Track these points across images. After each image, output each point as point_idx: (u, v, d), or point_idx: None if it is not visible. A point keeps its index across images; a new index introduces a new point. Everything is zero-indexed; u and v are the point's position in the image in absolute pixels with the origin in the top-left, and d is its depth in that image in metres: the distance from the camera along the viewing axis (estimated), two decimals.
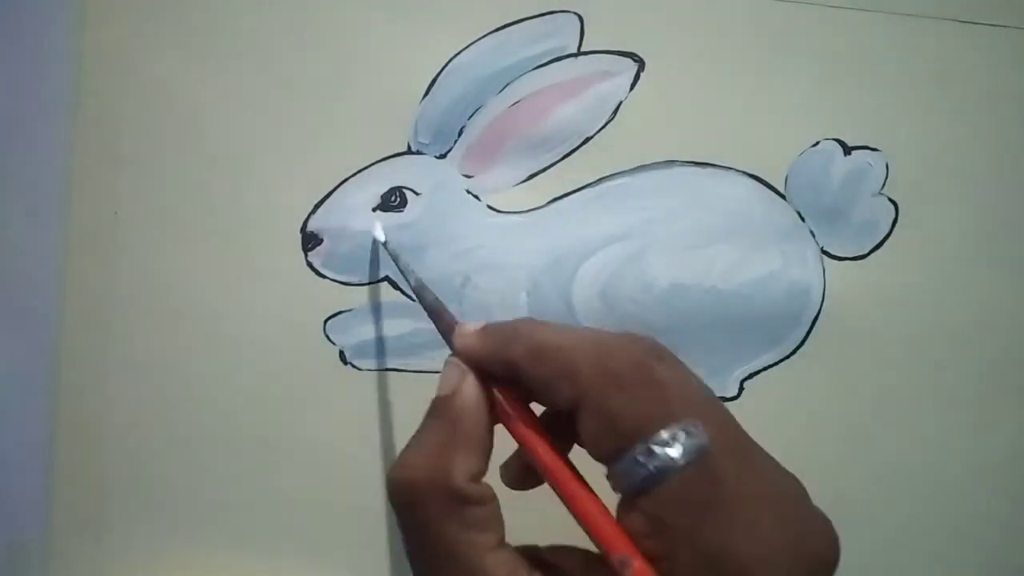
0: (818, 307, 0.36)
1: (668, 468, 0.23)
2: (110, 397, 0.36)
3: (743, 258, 0.36)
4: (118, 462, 0.36)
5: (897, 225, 0.36)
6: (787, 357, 0.36)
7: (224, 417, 0.36)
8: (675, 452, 0.23)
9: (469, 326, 0.29)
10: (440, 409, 0.27)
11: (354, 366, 0.36)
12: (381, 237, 0.35)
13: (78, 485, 0.36)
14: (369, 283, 0.36)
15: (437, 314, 0.31)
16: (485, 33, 0.35)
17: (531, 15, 0.35)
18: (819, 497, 0.35)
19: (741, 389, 0.36)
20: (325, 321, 0.36)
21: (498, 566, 0.25)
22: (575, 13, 0.35)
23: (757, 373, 0.36)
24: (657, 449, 0.23)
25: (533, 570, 0.25)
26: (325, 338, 0.36)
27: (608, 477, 0.25)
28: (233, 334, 0.36)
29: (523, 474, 0.29)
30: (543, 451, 0.26)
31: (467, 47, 0.35)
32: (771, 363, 0.36)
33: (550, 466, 0.26)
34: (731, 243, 0.36)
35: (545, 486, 0.26)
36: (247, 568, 0.36)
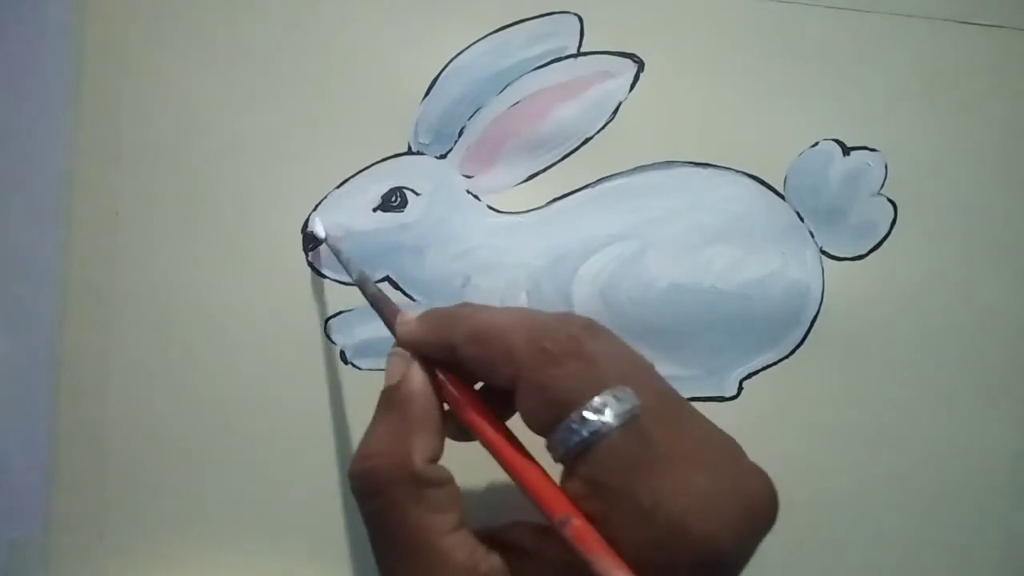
0: (817, 307, 0.36)
1: (600, 432, 0.24)
2: (110, 397, 0.36)
3: (742, 258, 0.36)
4: (118, 462, 0.36)
5: (896, 225, 0.36)
6: (786, 357, 0.36)
7: (224, 417, 0.36)
8: (606, 417, 0.24)
9: (409, 314, 0.30)
10: (390, 399, 0.28)
11: (355, 366, 0.36)
12: (321, 233, 0.35)
13: (78, 485, 0.36)
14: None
15: (379, 305, 0.31)
16: (485, 34, 0.35)
17: (531, 16, 0.35)
18: (818, 497, 0.35)
19: (740, 389, 0.36)
20: (326, 321, 0.36)
21: (457, 548, 0.26)
22: (575, 14, 0.35)
23: (756, 373, 0.36)
24: (589, 415, 0.24)
25: (490, 550, 0.26)
26: (326, 338, 0.36)
27: (548, 448, 0.26)
28: (233, 334, 0.36)
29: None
30: (486, 428, 0.27)
31: (467, 48, 0.35)
32: (770, 363, 0.36)
33: (494, 442, 0.27)
34: (730, 243, 0.36)
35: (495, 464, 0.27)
36: (247, 568, 0.36)
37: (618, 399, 0.25)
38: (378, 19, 0.35)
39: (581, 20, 0.35)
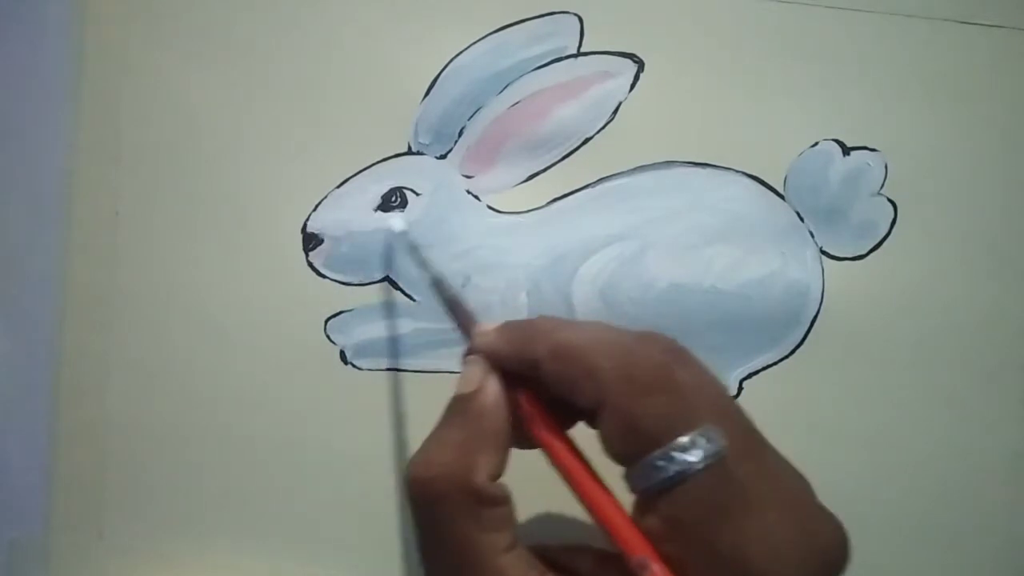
0: (817, 307, 0.36)
1: (686, 472, 0.24)
2: (110, 397, 0.36)
3: (742, 258, 0.36)
4: (118, 462, 0.36)
5: (896, 225, 0.36)
6: (786, 357, 0.36)
7: (224, 417, 0.36)
8: (694, 457, 0.24)
9: (487, 324, 0.29)
10: (462, 407, 0.27)
11: (354, 366, 0.36)
12: (400, 226, 0.34)
13: (78, 485, 0.36)
14: (369, 283, 0.36)
15: (456, 310, 0.30)
16: (485, 34, 0.35)
17: (531, 16, 0.35)
18: (818, 497, 0.35)
19: (740, 389, 0.36)
20: (326, 321, 0.36)
21: (512, 567, 0.25)
22: (575, 14, 0.35)
23: (756, 373, 0.36)
24: (676, 454, 0.24)
25: (546, 571, 0.25)
26: (325, 338, 0.36)
27: (626, 478, 0.25)
28: (233, 334, 0.36)
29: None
30: (564, 455, 0.26)
31: (467, 48, 0.35)
32: (770, 363, 0.36)
33: (571, 469, 0.26)
34: (730, 243, 0.36)
35: (563, 490, 0.27)
36: (247, 568, 0.36)
37: (707, 439, 0.24)
38: (378, 19, 0.35)
39: (581, 20, 0.35)
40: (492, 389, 0.27)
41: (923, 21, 0.36)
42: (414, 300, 0.36)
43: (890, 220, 0.36)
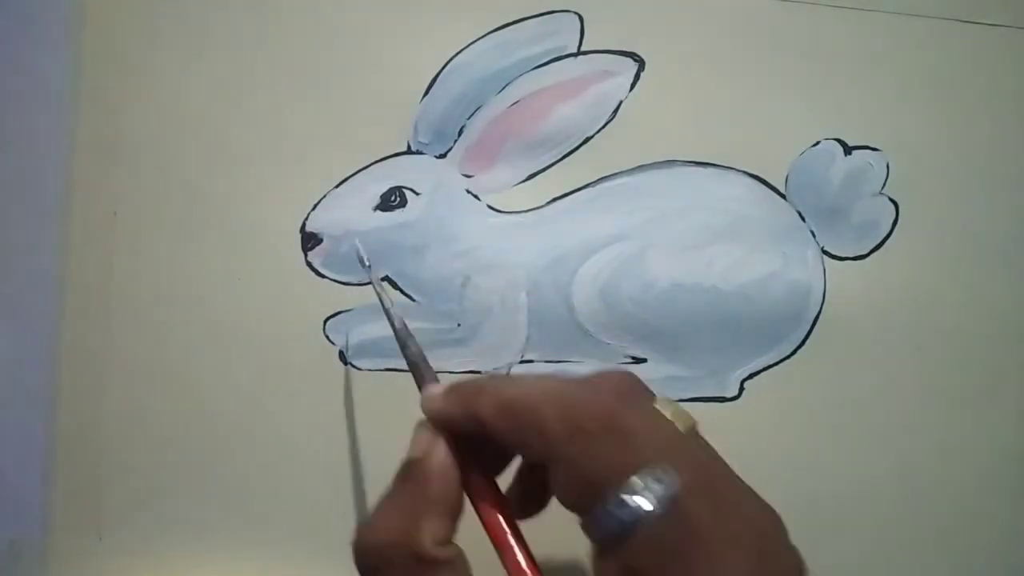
0: (818, 307, 0.36)
1: (638, 517, 0.23)
2: (110, 397, 0.36)
3: (743, 258, 0.36)
4: (118, 462, 0.36)
5: (897, 225, 0.36)
6: (787, 357, 0.36)
7: (224, 417, 0.36)
8: (645, 500, 0.23)
9: (435, 388, 0.29)
10: (410, 472, 0.27)
11: (353, 366, 0.36)
12: (366, 262, 0.34)
13: (78, 485, 0.36)
14: (368, 283, 0.36)
15: (416, 370, 0.30)
16: (485, 33, 0.35)
17: (531, 15, 0.35)
18: (818, 497, 0.35)
19: (741, 389, 0.36)
20: (325, 321, 0.36)
21: None
22: (575, 13, 0.35)
23: (758, 373, 0.36)
24: (627, 498, 0.23)
25: None
26: (325, 338, 0.36)
27: (582, 528, 0.25)
28: (233, 334, 0.36)
29: (522, 503, 0.29)
30: (498, 530, 0.26)
31: (467, 47, 0.35)
32: (771, 363, 0.36)
33: (501, 545, 0.26)
34: (731, 243, 0.36)
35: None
36: (247, 568, 0.36)
37: (657, 480, 0.24)
38: (378, 18, 0.35)
39: (581, 19, 0.35)
40: (438, 455, 0.27)
41: (925, 20, 0.36)
42: (413, 300, 0.36)
43: (892, 220, 0.36)
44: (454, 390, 0.28)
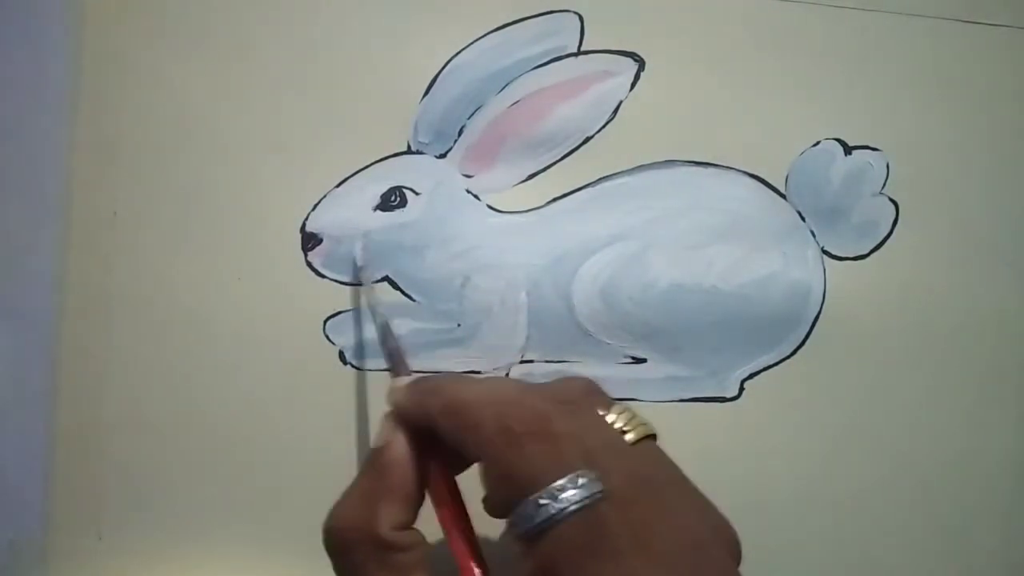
0: (818, 307, 0.36)
1: (554, 518, 0.24)
2: (110, 397, 0.36)
3: (743, 258, 0.36)
4: (117, 462, 0.36)
5: (897, 225, 0.36)
6: (787, 357, 0.36)
7: (224, 417, 0.36)
8: (564, 503, 0.24)
9: (401, 380, 0.30)
10: (372, 461, 0.29)
11: (353, 366, 0.36)
12: (360, 262, 0.35)
13: (78, 485, 0.36)
14: (360, 283, 0.36)
15: (392, 363, 0.32)
16: (485, 33, 0.35)
17: (531, 15, 0.35)
18: (819, 497, 0.35)
19: (742, 389, 0.36)
20: (325, 321, 0.36)
21: None
22: (575, 13, 0.35)
23: (758, 373, 0.36)
24: (545, 500, 0.24)
25: None
26: (325, 338, 0.36)
27: (507, 527, 0.26)
28: (233, 334, 0.36)
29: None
30: (447, 520, 0.28)
31: (467, 47, 0.35)
32: (771, 363, 0.36)
33: (451, 535, 0.27)
34: (732, 243, 0.36)
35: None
36: (246, 568, 0.36)
37: (579, 485, 0.24)
38: (378, 18, 0.35)
39: (581, 19, 0.35)
40: (396, 445, 0.28)
41: (926, 20, 0.36)
42: (413, 300, 0.36)
43: (892, 220, 0.36)
44: (413, 384, 0.29)
